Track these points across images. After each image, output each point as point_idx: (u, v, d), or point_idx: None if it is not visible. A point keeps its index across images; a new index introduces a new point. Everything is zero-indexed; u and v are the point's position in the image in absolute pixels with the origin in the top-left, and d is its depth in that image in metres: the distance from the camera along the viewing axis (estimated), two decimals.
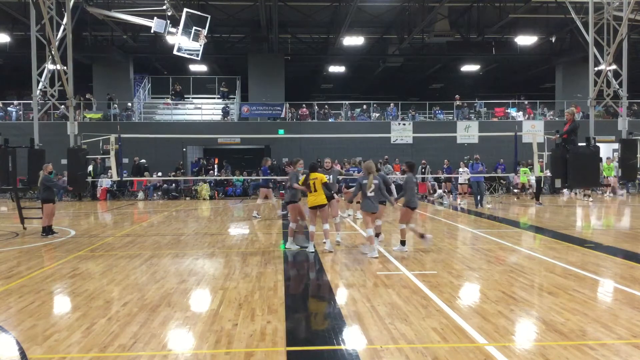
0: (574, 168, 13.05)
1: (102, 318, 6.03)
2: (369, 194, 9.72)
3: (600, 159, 16.51)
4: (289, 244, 10.58)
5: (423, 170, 25.47)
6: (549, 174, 17.31)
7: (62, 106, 17.95)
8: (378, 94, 36.79)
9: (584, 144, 13.47)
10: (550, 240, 11.75)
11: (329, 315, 6.35)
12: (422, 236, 10.36)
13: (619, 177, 20.93)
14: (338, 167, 18.45)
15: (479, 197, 18.98)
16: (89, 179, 19.18)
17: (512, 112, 30.19)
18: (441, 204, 21.26)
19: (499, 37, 29.06)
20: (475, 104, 29.83)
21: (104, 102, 28.54)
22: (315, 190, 9.99)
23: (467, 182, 20.69)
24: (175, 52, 18.83)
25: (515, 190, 24.83)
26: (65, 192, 22.95)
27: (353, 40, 26.94)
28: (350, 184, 18.60)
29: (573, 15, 16.84)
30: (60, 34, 16.01)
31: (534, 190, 21.41)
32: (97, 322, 5.90)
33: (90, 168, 22.19)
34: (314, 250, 9.94)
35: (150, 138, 23.63)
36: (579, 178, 13.40)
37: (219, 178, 25.76)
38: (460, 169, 20.92)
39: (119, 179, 18.46)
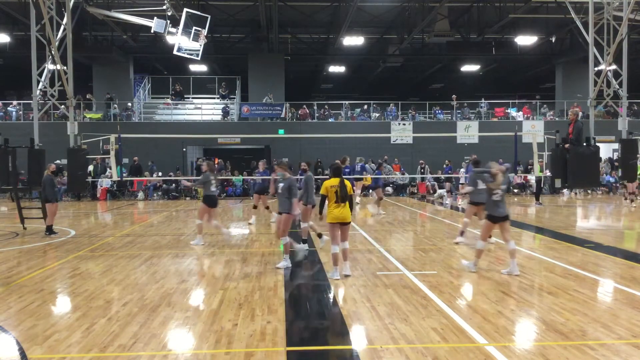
0: (574, 168, 13.06)
1: (102, 318, 6.03)
2: (494, 198, 8.16)
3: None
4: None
5: (422, 170, 25.48)
6: (549, 174, 17.33)
7: (62, 106, 17.95)
8: (378, 94, 36.80)
9: (584, 144, 13.47)
10: (550, 240, 11.76)
11: (329, 315, 6.35)
12: (319, 235, 10.56)
13: (618, 177, 20.93)
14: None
15: None
16: (89, 179, 19.18)
17: (512, 112, 30.20)
18: (441, 204, 21.27)
19: (499, 37, 29.05)
20: (481, 104, 29.75)
21: (104, 102, 28.54)
22: (342, 202, 7.92)
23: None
24: (175, 52, 18.83)
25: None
26: (65, 192, 22.98)
27: (353, 40, 26.94)
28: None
29: (573, 15, 16.83)
30: (60, 34, 16.01)
31: (534, 190, 21.44)
32: (97, 322, 5.89)
33: (90, 168, 22.19)
34: (339, 277, 7.91)
35: (150, 138, 23.66)
36: (579, 178, 13.41)
37: (218, 178, 25.69)
38: (462, 169, 20.98)
39: (119, 179, 18.47)
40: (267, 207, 14.85)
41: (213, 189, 11.15)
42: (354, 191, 11.36)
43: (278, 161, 9.28)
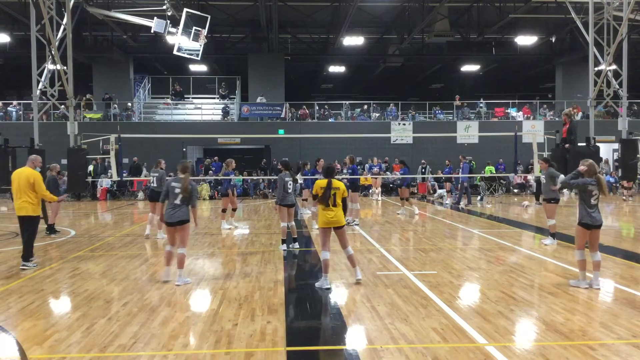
0: (574, 168, 13.06)
1: (102, 318, 6.03)
2: (592, 202, 7.25)
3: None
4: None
5: (423, 170, 25.48)
6: None
7: (62, 106, 17.95)
8: (378, 94, 36.79)
9: (584, 144, 13.48)
10: None
11: (329, 315, 6.35)
12: (283, 241, 10.56)
13: (619, 177, 20.96)
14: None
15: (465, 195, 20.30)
16: (89, 179, 19.19)
17: (512, 112, 30.20)
18: (441, 204, 21.26)
19: (499, 37, 29.06)
20: (480, 104, 29.72)
21: (103, 102, 28.54)
22: (335, 205, 7.36)
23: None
24: (175, 52, 18.85)
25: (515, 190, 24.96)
26: (65, 192, 22.99)
27: (353, 40, 26.95)
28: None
29: (573, 15, 16.85)
30: (60, 34, 16.02)
31: (534, 190, 21.48)
32: (97, 322, 5.90)
33: (90, 168, 22.18)
34: (329, 286, 7.39)
35: (150, 138, 23.66)
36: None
37: (219, 178, 25.70)
38: (460, 169, 20.99)
39: (119, 179, 18.47)
40: (233, 209, 14.25)
41: (150, 185, 12.17)
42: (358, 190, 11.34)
43: (180, 162, 8.97)
